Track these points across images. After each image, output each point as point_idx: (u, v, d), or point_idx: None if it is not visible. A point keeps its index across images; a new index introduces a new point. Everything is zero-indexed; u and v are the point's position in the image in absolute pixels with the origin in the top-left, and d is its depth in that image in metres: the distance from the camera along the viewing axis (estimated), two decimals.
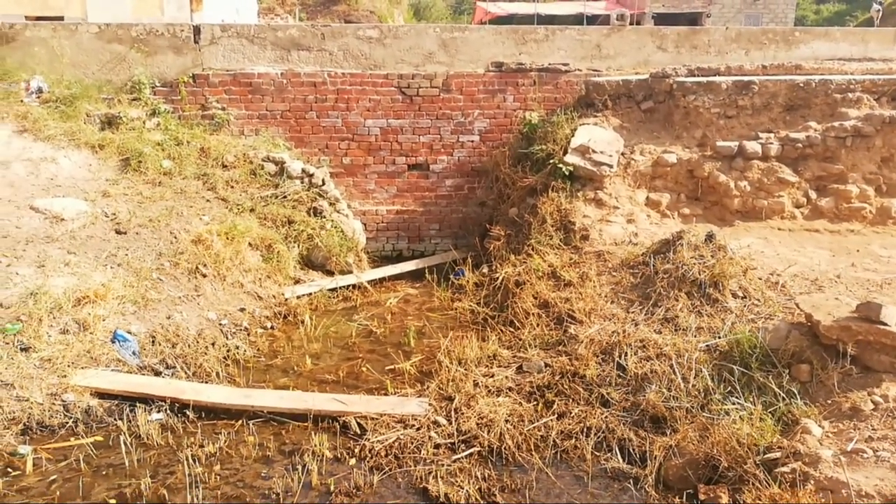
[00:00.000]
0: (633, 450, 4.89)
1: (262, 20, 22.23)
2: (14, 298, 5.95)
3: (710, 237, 6.63)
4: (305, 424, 5.36)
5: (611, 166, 8.19)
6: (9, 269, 6.29)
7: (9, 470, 4.70)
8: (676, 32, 10.76)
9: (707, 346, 5.50)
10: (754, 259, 6.60)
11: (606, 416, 5.19)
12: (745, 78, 8.77)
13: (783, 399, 4.75)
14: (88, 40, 9.71)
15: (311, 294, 8.31)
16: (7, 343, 5.50)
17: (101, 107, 9.28)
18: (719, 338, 5.54)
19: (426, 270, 9.24)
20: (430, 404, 5.48)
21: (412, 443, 5.02)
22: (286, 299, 8.01)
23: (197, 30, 9.87)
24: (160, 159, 8.74)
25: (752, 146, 8.25)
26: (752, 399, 4.84)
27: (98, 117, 9.06)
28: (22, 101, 8.92)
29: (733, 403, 4.84)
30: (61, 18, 14.31)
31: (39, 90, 9.18)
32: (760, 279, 6.23)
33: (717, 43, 10.72)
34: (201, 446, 5.03)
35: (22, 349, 5.52)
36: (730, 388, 5.03)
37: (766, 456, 4.33)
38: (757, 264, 6.50)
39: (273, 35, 10.02)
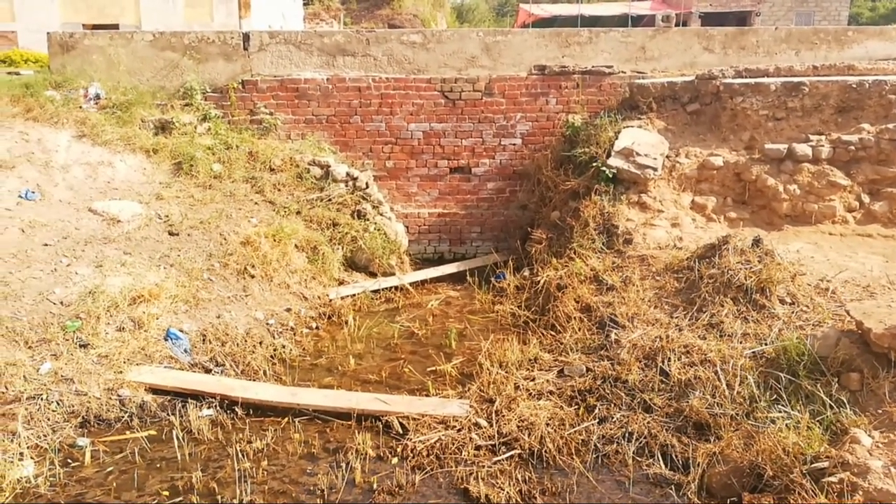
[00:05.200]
0: (676, 456, 4.85)
1: (308, 26, 22.63)
2: (74, 297, 6.23)
3: (757, 242, 6.51)
4: (349, 423, 5.47)
5: (655, 169, 8.11)
6: (69, 269, 6.58)
7: (69, 461, 4.94)
8: (724, 33, 10.58)
9: (753, 352, 5.42)
10: (803, 265, 6.46)
11: (649, 422, 5.16)
12: (795, 79, 8.57)
13: (831, 408, 4.64)
14: (143, 48, 10.07)
15: (354, 295, 8.46)
16: (67, 340, 5.78)
17: (155, 112, 9.62)
18: (766, 344, 5.45)
19: (467, 273, 9.29)
20: (470, 406, 5.53)
21: (453, 444, 5.08)
22: (330, 300, 8.17)
23: (246, 37, 10.14)
24: (210, 163, 9.02)
25: (802, 149, 8.07)
26: (799, 407, 4.75)
27: (152, 122, 9.40)
28: (81, 107, 9.29)
29: (780, 411, 4.76)
30: (116, 26, 14.88)
31: (97, 96, 9.55)
32: (809, 285, 6.09)
33: (766, 43, 10.50)
34: (249, 442, 5.19)
35: (81, 346, 5.78)
36: (776, 395, 4.95)
37: (813, 465, 4.25)
38: (806, 270, 6.36)
39: (319, 41, 10.22)
